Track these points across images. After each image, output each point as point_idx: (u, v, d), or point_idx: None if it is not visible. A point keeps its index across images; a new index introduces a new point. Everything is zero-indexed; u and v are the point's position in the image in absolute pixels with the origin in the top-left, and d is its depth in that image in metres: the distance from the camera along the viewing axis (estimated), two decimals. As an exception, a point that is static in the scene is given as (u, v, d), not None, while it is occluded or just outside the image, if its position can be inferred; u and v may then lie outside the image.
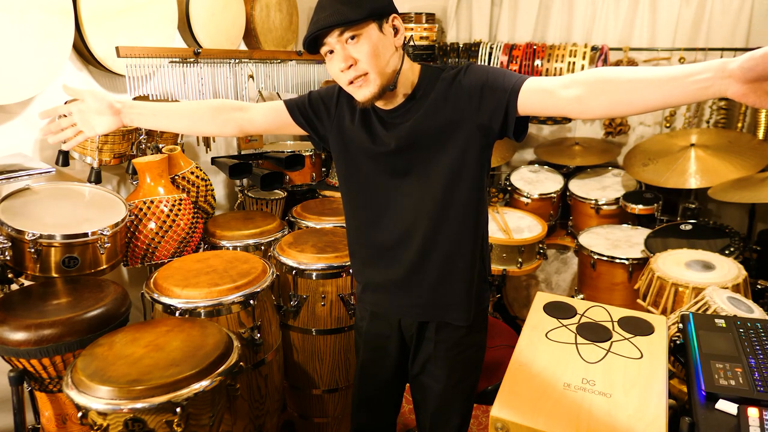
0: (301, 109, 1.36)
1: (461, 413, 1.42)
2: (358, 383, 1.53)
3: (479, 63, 3.05)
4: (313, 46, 1.17)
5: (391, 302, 1.38)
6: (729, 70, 0.85)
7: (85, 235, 1.70)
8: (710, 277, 1.90)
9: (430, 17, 3.15)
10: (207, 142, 2.58)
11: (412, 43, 3.14)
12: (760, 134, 2.54)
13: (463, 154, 1.20)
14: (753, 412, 1.01)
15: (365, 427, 1.56)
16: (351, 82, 1.16)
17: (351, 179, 1.34)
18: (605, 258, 2.52)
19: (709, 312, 1.59)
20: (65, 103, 1.95)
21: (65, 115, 1.34)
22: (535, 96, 1.08)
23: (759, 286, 2.17)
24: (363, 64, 1.14)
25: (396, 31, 1.19)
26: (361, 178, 1.32)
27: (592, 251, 2.56)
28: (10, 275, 1.69)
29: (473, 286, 1.32)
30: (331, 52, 1.16)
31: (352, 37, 1.12)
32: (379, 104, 1.25)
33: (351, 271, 1.47)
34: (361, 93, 1.17)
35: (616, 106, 0.98)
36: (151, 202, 2.04)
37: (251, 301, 1.70)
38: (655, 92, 0.92)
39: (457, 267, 1.30)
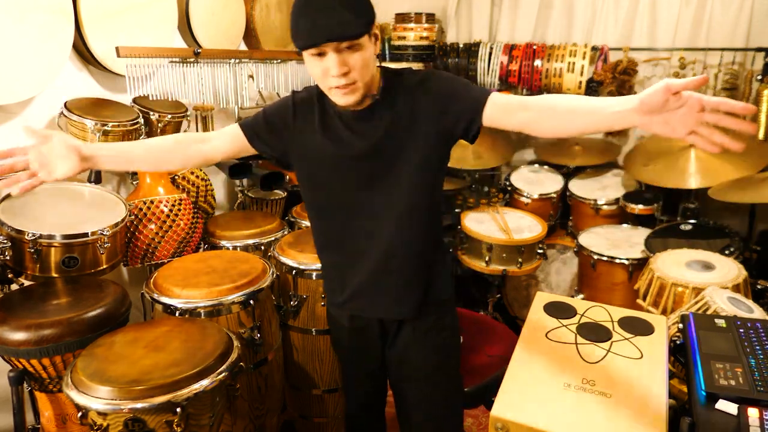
0: (259, 132, 1.35)
1: (453, 404, 1.50)
2: (348, 377, 1.60)
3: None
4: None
5: (370, 303, 1.40)
6: (633, 105, 1.00)
7: (85, 235, 1.70)
8: (710, 277, 1.89)
9: (430, 17, 3.15)
10: (207, 142, 2.58)
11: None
12: (760, 134, 2.54)
13: (429, 158, 1.27)
14: (753, 412, 1.01)
15: (360, 421, 1.62)
16: (336, 87, 1.16)
17: (317, 189, 1.35)
18: (605, 258, 2.52)
19: (709, 312, 1.59)
20: (65, 105, 1.95)
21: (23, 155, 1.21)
22: (497, 111, 1.20)
23: (759, 286, 2.17)
24: (354, 74, 1.15)
25: (376, 38, 1.21)
26: (328, 186, 1.32)
27: (592, 251, 2.56)
28: (10, 275, 1.69)
29: (439, 278, 1.41)
30: (320, 54, 1.13)
31: (350, 47, 1.12)
32: (349, 107, 1.25)
33: (325, 284, 1.53)
34: (346, 99, 1.18)
35: (558, 130, 1.17)
36: (151, 202, 2.04)
37: (251, 301, 1.70)
38: (586, 120, 1.10)
39: (421, 263, 1.37)
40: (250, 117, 1.37)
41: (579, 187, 2.98)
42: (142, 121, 2.09)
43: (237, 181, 2.76)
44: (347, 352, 1.55)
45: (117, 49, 1.98)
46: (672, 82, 0.96)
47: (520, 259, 2.58)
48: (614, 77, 2.85)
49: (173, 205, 2.09)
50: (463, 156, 2.95)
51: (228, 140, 1.37)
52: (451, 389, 1.49)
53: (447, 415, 1.49)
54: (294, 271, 1.94)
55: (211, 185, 2.41)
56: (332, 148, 1.27)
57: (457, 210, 3.05)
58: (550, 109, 1.16)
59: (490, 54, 3.05)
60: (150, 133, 2.22)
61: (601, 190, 2.93)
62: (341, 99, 1.19)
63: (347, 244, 1.36)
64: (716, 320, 1.36)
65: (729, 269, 1.92)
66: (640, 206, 2.69)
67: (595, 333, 1.41)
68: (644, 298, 2.04)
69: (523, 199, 2.97)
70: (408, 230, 1.31)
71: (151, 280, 1.75)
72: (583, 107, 1.13)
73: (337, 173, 1.30)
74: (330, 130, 1.28)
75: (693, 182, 2.44)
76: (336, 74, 1.13)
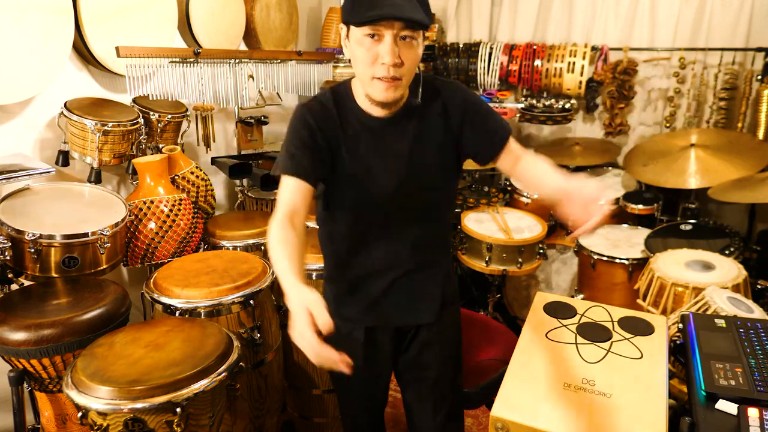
0: (308, 165, 1.17)
1: (460, 398, 1.50)
2: (349, 386, 1.52)
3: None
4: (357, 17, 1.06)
5: (389, 314, 1.37)
6: (569, 191, 1.08)
7: (85, 235, 1.70)
8: (710, 277, 1.89)
9: (430, 17, 3.14)
10: (207, 142, 2.58)
11: None
12: (760, 134, 2.53)
13: (451, 161, 1.29)
14: (753, 412, 1.01)
15: (362, 425, 1.58)
16: (381, 78, 1.10)
17: (345, 203, 1.26)
18: (605, 258, 2.52)
19: (709, 312, 1.59)
20: (65, 105, 1.95)
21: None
22: (507, 154, 1.28)
23: (759, 286, 2.17)
24: (404, 69, 1.10)
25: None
26: (357, 199, 1.25)
27: (592, 251, 2.56)
28: (10, 275, 1.69)
29: (451, 279, 1.44)
30: (374, 36, 1.06)
31: (406, 39, 1.07)
32: (376, 112, 1.21)
33: (329, 296, 1.40)
34: (387, 94, 1.12)
35: (529, 187, 1.41)
36: (151, 202, 2.04)
37: (251, 301, 1.70)
38: (546, 190, 1.19)
39: (444, 263, 1.39)
40: (284, 160, 1.18)
41: (579, 187, 2.97)
42: (142, 121, 2.09)
43: (237, 181, 2.76)
44: (355, 365, 1.47)
45: (117, 49, 1.98)
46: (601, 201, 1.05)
47: (520, 259, 2.58)
48: (614, 77, 2.85)
49: (173, 205, 2.09)
50: (463, 156, 2.95)
51: (301, 199, 1.15)
52: (459, 383, 1.51)
53: (457, 410, 1.49)
54: (294, 271, 1.93)
55: (211, 185, 2.41)
56: (362, 160, 1.21)
57: (457, 210, 3.05)
58: (527, 170, 1.27)
59: (490, 54, 3.05)
60: (149, 135, 2.22)
61: (601, 190, 2.92)
62: (382, 93, 1.12)
63: (371, 255, 1.30)
64: (716, 320, 1.36)
65: (729, 269, 1.92)
66: (640, 206, 2.69)
67: (595, 333, 1.41)
68: (644, 298, 2.03)
69: (523, 199, 2.97)
70: (432, 234, 1.32)
71: (151, 280, 1.75)
72: (548, 179, 1.19)
73: (367, 184, 1.23)
74: (358, 141, 1.21)
75: (693, 182, 2.44)
76: (388, 62, 1.06)
